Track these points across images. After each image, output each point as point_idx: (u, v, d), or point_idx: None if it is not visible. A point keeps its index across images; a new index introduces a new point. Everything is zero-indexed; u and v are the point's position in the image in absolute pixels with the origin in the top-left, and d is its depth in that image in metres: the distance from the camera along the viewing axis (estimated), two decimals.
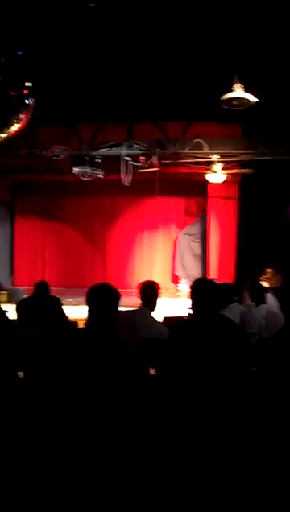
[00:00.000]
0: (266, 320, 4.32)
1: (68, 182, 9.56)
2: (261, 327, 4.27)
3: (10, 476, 2.15)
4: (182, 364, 2.47)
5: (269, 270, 7.36)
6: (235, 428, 2.34)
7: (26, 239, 11.55)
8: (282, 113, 6.97)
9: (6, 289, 9.26)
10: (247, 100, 5.70)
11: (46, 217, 11.42)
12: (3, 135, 5.67)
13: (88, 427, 1.89)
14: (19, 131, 5.75)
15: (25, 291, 8.74)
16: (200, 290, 2.61)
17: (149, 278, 4.39)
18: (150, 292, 3.70)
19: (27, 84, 5.47)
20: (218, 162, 8.12)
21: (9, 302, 8.02)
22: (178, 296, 9.80)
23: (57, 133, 8.25)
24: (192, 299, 2.61)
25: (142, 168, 8.02)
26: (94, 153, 7.97)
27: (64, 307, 4.81)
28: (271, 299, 4.94)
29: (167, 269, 11.21)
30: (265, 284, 6.15)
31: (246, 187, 9.22)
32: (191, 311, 2.68)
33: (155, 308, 3.70)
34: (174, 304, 7.88)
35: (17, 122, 5.62)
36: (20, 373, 2.85)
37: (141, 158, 7.95)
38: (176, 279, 10.99)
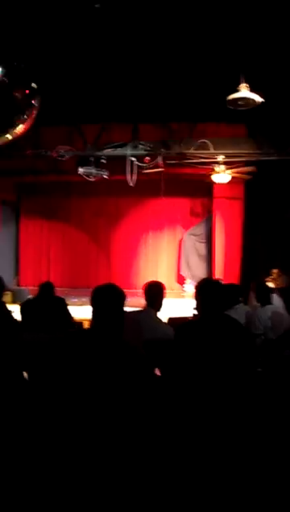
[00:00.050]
0: (271, 320, 4.30)
1: (73, 182, 9.58)
2: (266, 327, 4.25)
3: (14, 476, 2.15)
4: (187, 364, 2.45)
5: (275, 270, 7.33)
6: (240, 429, 2.33)
7: (31, 240, 11.58)
8: (287, 113, 6.94)
9: (11, 289, 9.27)
10: (253, 100, 5.68)
11: (51, 218, 11.45)
12: (9, 136, 5.67)
13: (93, 427, 1.89)
14: (25, 132, 5.75)
15: (30, 291, 8.76)
16: (206, 290, 2.60)
17: (154, 279, 4.38)
18: (155, 293, 3.69)
19: (32, 84, 5.47)
20: (223, 162, 8.10)
21: (13, 302, 8.02)
22: (183, 297, 9.79)
23: (62, 133, 8.25)
24: (197, 299, 2.60)
25: (147, 169, 8.01)
26: (99, 153, 7.96)
27: (69, 308, 4.81)
28: (276, 299, 4.92)
29: (172, 269, 11.20)
30: (271, 285, 6.13)
31: (251, 188, 9.20)
32: (196, 312, 2.67)
33: (161, 309, 3.69)
34: (179, 305, 7.86)
35: (22, 123, 5.62)
36: (25, 374, 2.85)
37: (146, 158, 7.93)
38: (181, 280, 10.99)
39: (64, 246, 11.53)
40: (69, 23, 5.28)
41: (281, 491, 2.24)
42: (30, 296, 7.51)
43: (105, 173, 8.04)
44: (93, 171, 7.96)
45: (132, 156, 7.83)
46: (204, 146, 7.86)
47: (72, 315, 4.82)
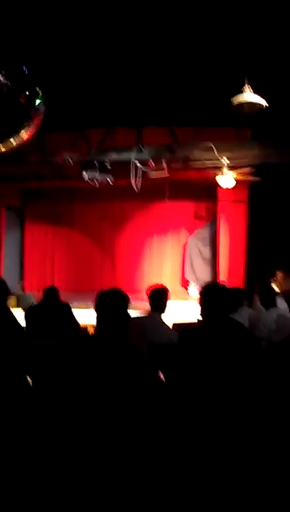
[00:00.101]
0: (276, 323, 4.28)
1: (77, 188, 9.60)
2: (271, 330, 4.24)
3: (19, 480, 2.15)
4: (192, 369, 2.45)
5: (279, 273, 7.30)
6: (245, 434, 2.32)
7: (36, 244, 11.61)
8: None
9: (16, 294, 9.29)
10: (258, 104, 5.68)
11: (55, 223, 11.49)
12: (14, 142, 5.71)
13: (97, 432, 1.89)
14: (30, 138, 5.79)
15: (34, 296, 8.77)
16: (210, 294, 2.59)
17: (158, 283, 4.38)
18: (159, 297, 3.69)
19: (37, 90, 5.50)
20: (228, 166, 8.10)
21: (18, 306, 8.05)
22: (187, 300, 9.78)
23: (66, 139, 8.29)
24: (201, 304, 2.60)
25: (151, 173, 8.03)
26: (103, 158, 7.99)
27: (74, 312, 4.80)
28: (281, 302, 4.90)
29: (176, 273, 11.19)
30: (275, 288, 6.10)
31: (255, 191, 9.19)
32: (200, 318, 2.66)
33: (165, 311, 3.69)
34: (183, 308, 7.85)
35: (27, 129, 5.66)
36: (29, 379, 2.85)
37: (150, 162, 7.95)
38: (185, 283, 10.97)
39: (69, 251, 11.55)
40: (74, 29, 5.32)
41: (285, 495, 2.23)
42: (34, 302, 7.51)
43: (110, 177, 8.07)
44: (98, 175, 7.99)
45: (137, 160, 7.85)
46: (208, 150, 7.87)
47: (78, 320, 4.81)
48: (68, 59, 5.95)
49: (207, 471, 2.21)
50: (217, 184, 8.61)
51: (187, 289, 10.82)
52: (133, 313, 2.46)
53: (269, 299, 4.56)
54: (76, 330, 4.67)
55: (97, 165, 7.94)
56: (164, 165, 7.93)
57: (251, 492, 2.21)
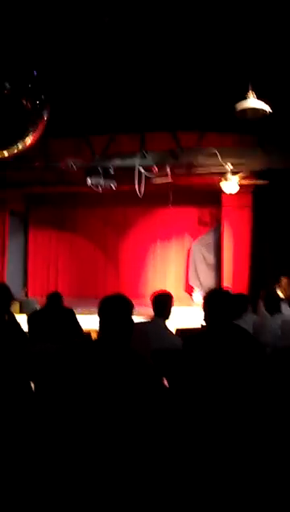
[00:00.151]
0: (281, 329, 4.25)
1: (81, 193, 9.63)
2: (275, 336, 4.21)
3: (21, 487, 2.13)
4: (196, 375, 2.43)
5: (284, 279, 7.28)
6: (250, 440, 2.30)
7: (40, 250, 11.64)
8: None
9: (19, 299, 9.30)
10: (262, 110, 5.68)
11: (59, 228, 11.52)
12: (18, 147, 5.73)
13: (100, 438, 1.87)
14: (34, 143, 5.81)
15: (38, 301, 8.78)
16: (214, 300, 2.58)
17: (162, 288, 4.36)
18: (163, 302, 3.68)
19: (41, 96, 5.53)
20: (232, 171, 8.10)
21: (21, 312, 8.05)
22: (191, 306, 9.76)
23: (70, 145, 8.32)
24: (205, 309, 2.58)
25: (155, 179, 8.04)
26: (107, 164, 8.00)
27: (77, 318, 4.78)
28: (285, 308, 4.87)
29: (180, 279, 11.18)
30: (280, 294, 6.08)
31: (259, 196, 9.18)
32: (204, 323, 2.64)
33: (169, 317, 3.67)
34: (187, 314, 7.83)
35: (31, 134, 5.68)
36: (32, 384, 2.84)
37: (154, 168, 7.96)
38: (189, 289, 10.95)
39: (73, 256, 11.56)
40: (78, 36, 5.35)
41: (288, 499, 2.20)
42: (37, 307, 7.52)
43: (114, 183, 8.08)
44: (102, 181, 8.00)
45: (140, 166, 7.86)
46: (212, 156, 7.87)
47: (81, 326, 4.79)
48: (71, 66, 5.98)
49: (211, 476, 2.19)
50: (220, 190, 8.61)
51: (191, 295, 10.80)
52: (137, 319, 2.45)
53: (274, 304, 4.54)
54: (80, 335, 4.65)
55: (100, 171, 7.96)
56: (168, 171, 7.94)
57: (256, 497, 2.19)
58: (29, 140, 5.67)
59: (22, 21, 4.84)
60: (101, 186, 8.05)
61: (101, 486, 1.83)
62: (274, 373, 2.89)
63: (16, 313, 7.59)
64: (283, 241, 8.74)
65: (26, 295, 11.16)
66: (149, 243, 11.31)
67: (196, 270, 10.94)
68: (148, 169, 7.90)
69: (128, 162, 7.95)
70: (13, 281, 10.10)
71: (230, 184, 8.27)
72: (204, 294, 2.69)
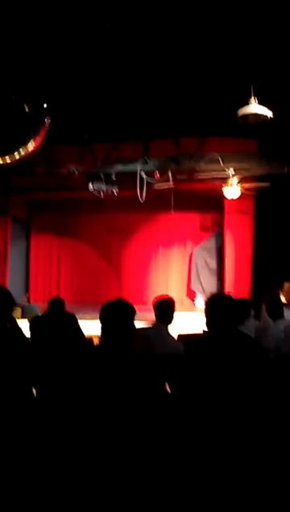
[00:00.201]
0: (284, 335, 4.23)
1: (83, 199, 9.64)
2: (278, 342, 4.19)
3: (24, 491, 2.12)
4: (198, 380, 2.42)
5: (287, 284, 7.26)
6: (253, 446, 2.28)
7: (42, 256, 11.64)
8: None
9: (21, 305, 9.30)
10: (263, 115, 5.70)
11: (61, 234, 11.52)
12: (20, 153, 5.76)
13: (102, 443, 1.86)
14: (36, 149, 5.84)
15: (40, 307, 8.77)
16: (216, 305, 2.57)
17: (164, 294, 4.35)
18: (165, 308, 3.66)
19: (44, 103, 5.57)
20: (234, 177, 8.10)
21: (23, 318, 8.05)
22: (194, 311, 9.74)
23: (72, 151, 8.35)
24: (207, 314, 2.57)
25: (157, 184, 8.05)
26: (109, 169, 8.02)
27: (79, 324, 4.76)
28: (288, 314, 4.85)
29: (182, 284, 11.16)
30: (282, 299, 6.06)
31: (261, 201, 9.18)
32: (206, 329, 2.63)
33: (172, 322, 3.66)
34: (190, 319, 7.81)
35: (33, 140, 5.71)
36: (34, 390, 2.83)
37: (156, 173, 7.97)
38: (191, 294, 10.94)
39: (74, 262, 11.56)
40: (81, 43, 5.38)
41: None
42: (39, 313, 7.50)
43: (116, 189, 8.10)
44: (104, 187, 8.02)
45: (142, 172, 7.87)
46: (214, 161, 7.88)
47: (83, 331, 4.78)
48: (74, 73, 6.01)
49: (214, 481, 2.17)
50: (222, 195, 8.61)
51: (193, 300, 10.78)
52: (139, 325, 2.44)
53: (276, 310, 4.52)
54: (82, 341, 4.63)
55: (102, 177, 7.98)
56: (170, 176, 7.95)
57: (259, 500, 2.17)
58: (31, 146, 5.71)
59: (26, 29, 4.88)
60: (103, 191, 8.07)
61: (104, 491, 1.82)
62: (277, 378, 2.88)
63: (18, 319, 7.56)
64: (286, 246, 8.72)
65: (28, 300, 11.15)
66: (151, 248, 11.31)
67: (198, 276, 10.93)
68: (150, 174, 7.92)
69: (130, 167, 7.97)
70: (15, 286, 10.10)
71: (232, 189, 8.27)
72: (206, 299, 2.68)
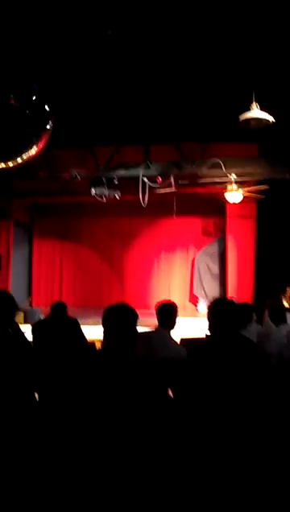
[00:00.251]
0: (287, 339, 4.22)
1: (85, 203, 9.66)
2: (281, 347, 4.17)
3: (27, 495, 2.12)
4: (200, 385, 2.41)
5: (289, 289, 7.24)
6: (256, 451, 2.27)
7: (44, 260, 11.66)
8: None
9: (24, 309, 9.30)
10: (265, 119, 5.71)
11: (63, 238, 11.54)
12: (23, 158, 5.77)
13: (105, 448, 1.86)
14: (38, 154, 5.86)
15: (42, 311, 8.78)
16: (219, 310, 2.56)
17: (167, 298, 4.34)
18: (168, 312, 3.65)
19: (46, 107, 5.59)
20: (236, 182, 8.11)
21: (25, 322, 8.04)
22: (196, 316, 9.72)
23: (75, 155, 8.37)
24: (209, 319, 2.56)
25: (159, 189, 8.06)
26: (111, 174, 8.04)
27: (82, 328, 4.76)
28: None
29: (185, 289, 11.15)
30: (285, 304, 6.04)
31: (263, 206, 9.18)
32: (208, 333, 2.63)
33: (174, 327, 3.65)
34: (192, 324, 7.79)
35: (36, 145, 5.72)
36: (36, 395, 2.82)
37: (158, 178, 7.99)
38: (194, 299, 10.92)
39: (77, 266, 11.57)
40: (83, 49, 5.41)
41: None
42: (42, 317, 7.50)
43: (118, 194, 8.11)
44: (106, 191, 8.04)
45: (144, 177, 7.89)
46: (216, 166, 7.90)
47: (85, 335, 4.78)
48: (76, 78, 6.04)
49: (217, 486, 2.16)
50: (224, 200, 8.62)
51: (196, 305, 10.76)
52: (142, 329, 2.44)
53: (279, 315, 4.50)
54: (84, 345, 4.63)
55: (105, 181, 7.99)
56: (172, 181, 7.96)
57: (262, 506, 2.16)
58: (33, 151, 5.73)
59: (29, 34, 4.90)
60: (105, 196, 8.08)
61: (108, 495, 1.81)
62: (280, 383, 2.87)
63: (20, 323, 7.57)
64: (288, 251, 8.72)
65: (31, 304, 11.16)
66: (153, 253, 11.31)
67: (200, 280, 10.92)
68: (152, 179, 7.93)
69: (132, 172, 7.99)
70: (17, 291, 10.10)
71: (234, 194, 8.28)
72: (208, 304, 2.68)
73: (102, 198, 8.13)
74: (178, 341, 4.03)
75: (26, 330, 3.79)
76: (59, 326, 4.59)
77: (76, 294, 11.25)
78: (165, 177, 7.97)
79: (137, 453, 1.86)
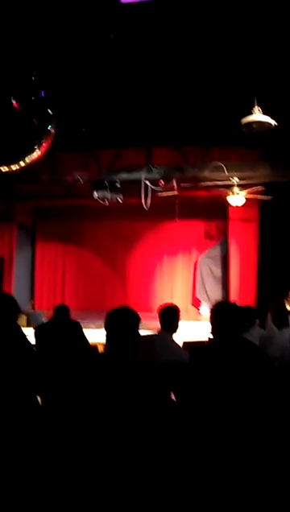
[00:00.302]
0: (289, 343, 4.21)
1: (88, 207, 9.69)
2: (284, 350, 4.17)
3: (29, 500, 2.12)
4: (203, 388, 2.41)
5: None
6: (259, 455, 2.26)
7: (47, 263, 11.67)
8: None
9: (26, 312, 9.31)
10: (267, 123, 5.72)
11: (66, 241, 11.56)
12: (26, 161, 5.79)
13: (107, 451, 1.85)
14: (41, 157, 5.88)
15: (45, 314, 8.78)
16: (221, 313, 2.56)
17: (169, 302, 4.34)
18: (170, 316, 3.65)
19: (48, 111, 5.61)
20: (238, 185, 8.11)
21: (28, 325, 8.05)
22: (199, 320, 9.70)
23: (77, 159, 8.40)
24: (212, 322, 2.56)
25: (161, 192, 8.08)
26: (114, 177, 8.06)
27: (84, 332, 4.76)
28: None
29: (187, 292, 11.14)
30: (288, 307, 6.03)
31: (266, 209, 9.18)
32: (211, 336, 2.63)
33: (177, 331, 3.65)
34: (195, 328, 7.79)
35: (39, 149, 5.75)
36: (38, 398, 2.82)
37: (160, 182, 8.00)
38: (196, 302, 10.91)
39: (80, 270, 11.58)
40: (85, 52, 5.43)
41: None
42: (44, 320, 7.51)
43: (120, 197, 8.13)
44: (108, 195, 8.06)
45: (147, 180, 7.91)
46: (218, 170, 7.90)
47: (88, 339, 4.78)
48: (79, 82, 6.06)
49: (219, 490, 2.16)
50: (227, 203, 8.63)
51: (198, 308, 10.75)
52: (144, 333, 2.44)
53: (282, 318, 4.50)
54: (86, 348, 4.63)
55: (107, 184, 8.01)
56: (174, 184, 7.97)
57: (264, 509, 2.15)
58: (36, 154, 5.75)
59: (31, 38, 4.93)
60: (107, 199, 8.10)
61: (110, 499, 1.81)
62: (283, 387, 2.86)
63: (23, 326, 7.58)
64: None
65: (33, 307, 11.17)
66: (156, 256, 11.31)
67: (203, 284, 10.91)
68: (154, 182, 7.95)
69: (134, 175, 8.00)
70: (20, 294, 10.11)
71: (236, 197, 8.28)
72: (211, 307, 2.67)
73: (105, 201, 8.15)
74: (180, 345, 4.03)
75: (29, 333, 3.79)
76: (61, 329, 4.59)
77: (78, 297, 11.26)
78: (167, 180, 7.99)
79: (140, 456, 1.86)
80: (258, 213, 9.44)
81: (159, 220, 10.45)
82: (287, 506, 2.25)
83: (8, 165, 5.73)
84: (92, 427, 1.90)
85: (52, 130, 5.69)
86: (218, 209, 9.81)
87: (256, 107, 5.74)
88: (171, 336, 3.64)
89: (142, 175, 7.88)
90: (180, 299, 10.41)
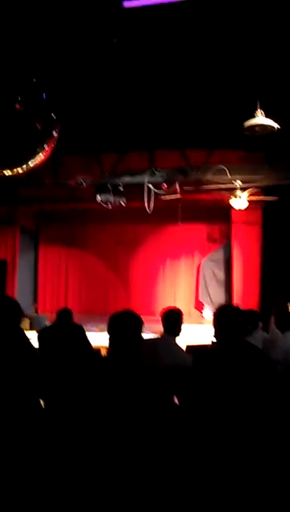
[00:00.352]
0: None
1: (91, 210, 9.71)
2: (287, 353, 4.15)
3: (31, 503, 2.11)
4: (206, 392, 2.40)
5: None
6: (262, 458, 2.26)
7: (50, 267, 11.70)
8: None
9: (29, 316, 9.32)
10: (270, 126, 5.72)
11: (69, 245, 11.59)
12: (29, 165, 5.81)
13: (110, 455, 1.85)
14: (44, 161, 5.90)
15: (48, 318, 8.79)
16: (224, 316, 2.56)
17: (172, 305, 4.34)
18: (173, 319, 3.65)
19: (52, 115, 5.63)
20: (241, 188, 8.11)
21: (31, 329, 8.06)
22: (202, 323, 9.69)
23: (80, 162, 8.43)
24: (215, 326, 2.56)
25: (164, 195, 8.09)
26: (117, 181, 8.08)
27: (87, 335, 4.77)
28: None
29: (190, 296, 11.14)
30: None
31: (269, 212, 9.17)
32: (214, 340, 2.62)
33: (180, 334, 3.64)
34: (198, 331, 7.78)
35: (42, 152, 5.76)
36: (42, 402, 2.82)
37: (163, 185, 8.01)
38: (199, 306, 10.90)
39: (83, 273, 11.60)
40: (88, 56, 5.45)
41: None
42: (48, 323, 7.51)
43: (123, 200, 8.15)
44: (111, 198, 8.07)
45: (150, 183, 7.92)
46: (221, 173, 7.91)
47: (91, 342, 4.78)
48: (82, 86, 6.08)
49: (222, 493, 2.15)
50: (230, 207, 8.62)
51: (201, 312, 10.74)
52: (147, 336, 2.44)
53: (285, 322, 4.49)
54: (89, 352, 4.63)
55: (110, 188, 8.03)
56: (177, 187, 7.98)
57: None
58: (39, 158, 5.77)
59: (35, 42, 4.95)
60: (110, 203, 8.12)
61: (113, 503, 1.80)
62: (286, 390, 2.85)
63: (26, 330, 7.59)
64: None
65: (37, 311, 11.18)
66: (159, 260, 11.32)
67: (206, 287, 10.90)
68: (157, 186, 7.95)
69: (137, 179, 8.01)
70: (23, 297, 10.13)
71: (239, 201, 8.27)
72: (214, 310, 2.67)
73: (108, 205, 8.16)
74: (183, 348, 4.02)
75: (32, 337, 3.79)
76: (64, 333, 4.59)
77: (81, 300, 11.27)
78: (170, 184, 8.00)
79: (143, 460, 1.86)
80: (261, 216, 9.43)
81: (162, 223, 10.46)
82: (289, 507, 2.24)
83: (11, 169, 5.75)
84: (95, 430, 1.90)
85: (56, 134, 5.71)
86: (221, 212, 9.81)
87: (259, 110, 5.74)
88: (175, 340, 3.63)
89: (145, 179, 7.89)
90: (183, 303, 10.41)
